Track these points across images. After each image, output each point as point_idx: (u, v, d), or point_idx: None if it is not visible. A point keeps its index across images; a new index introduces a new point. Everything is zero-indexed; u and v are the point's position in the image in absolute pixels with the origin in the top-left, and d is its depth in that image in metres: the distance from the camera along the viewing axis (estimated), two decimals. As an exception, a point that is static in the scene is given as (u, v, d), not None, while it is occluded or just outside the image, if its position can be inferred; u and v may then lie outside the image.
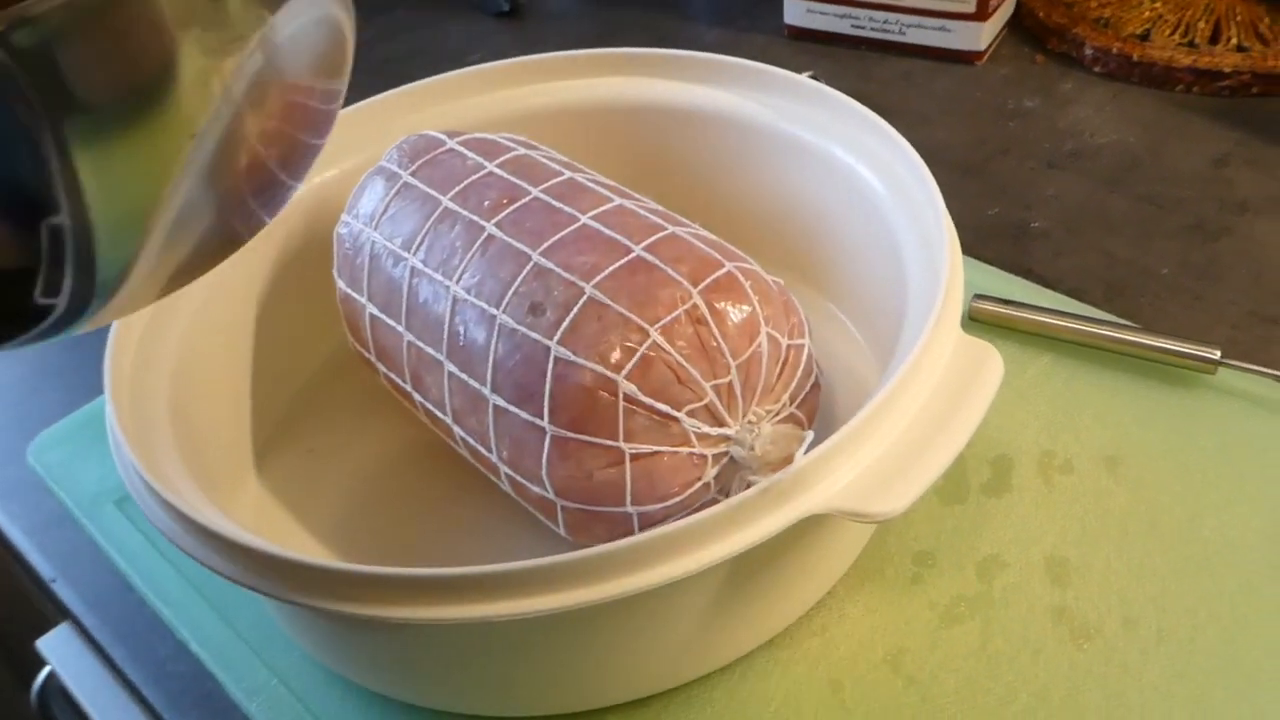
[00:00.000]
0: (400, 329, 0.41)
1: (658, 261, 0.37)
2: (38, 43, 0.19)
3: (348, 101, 0.50)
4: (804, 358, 0.39)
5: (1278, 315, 0.49)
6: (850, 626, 0.39)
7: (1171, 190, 0.57)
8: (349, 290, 0.44)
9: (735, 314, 0.36)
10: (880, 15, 0.70)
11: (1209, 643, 0.36)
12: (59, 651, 0.50)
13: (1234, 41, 0.64)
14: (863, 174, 0.43)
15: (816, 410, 0.40)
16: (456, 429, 0.40)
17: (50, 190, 0.21)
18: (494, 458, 0.39)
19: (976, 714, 0.35)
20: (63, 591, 0.46)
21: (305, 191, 0.49)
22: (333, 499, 0.45)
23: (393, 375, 0.43)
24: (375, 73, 0.78)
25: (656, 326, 0.36)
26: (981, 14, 0.66)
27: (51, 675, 0.54)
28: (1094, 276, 0.52)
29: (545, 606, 0.30)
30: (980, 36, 0.67)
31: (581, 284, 0.37)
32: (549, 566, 0.30)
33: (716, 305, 0.36)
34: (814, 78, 0.64)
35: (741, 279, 0.37)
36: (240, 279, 0.46)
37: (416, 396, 0.42)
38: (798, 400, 0.39)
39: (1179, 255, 0.53)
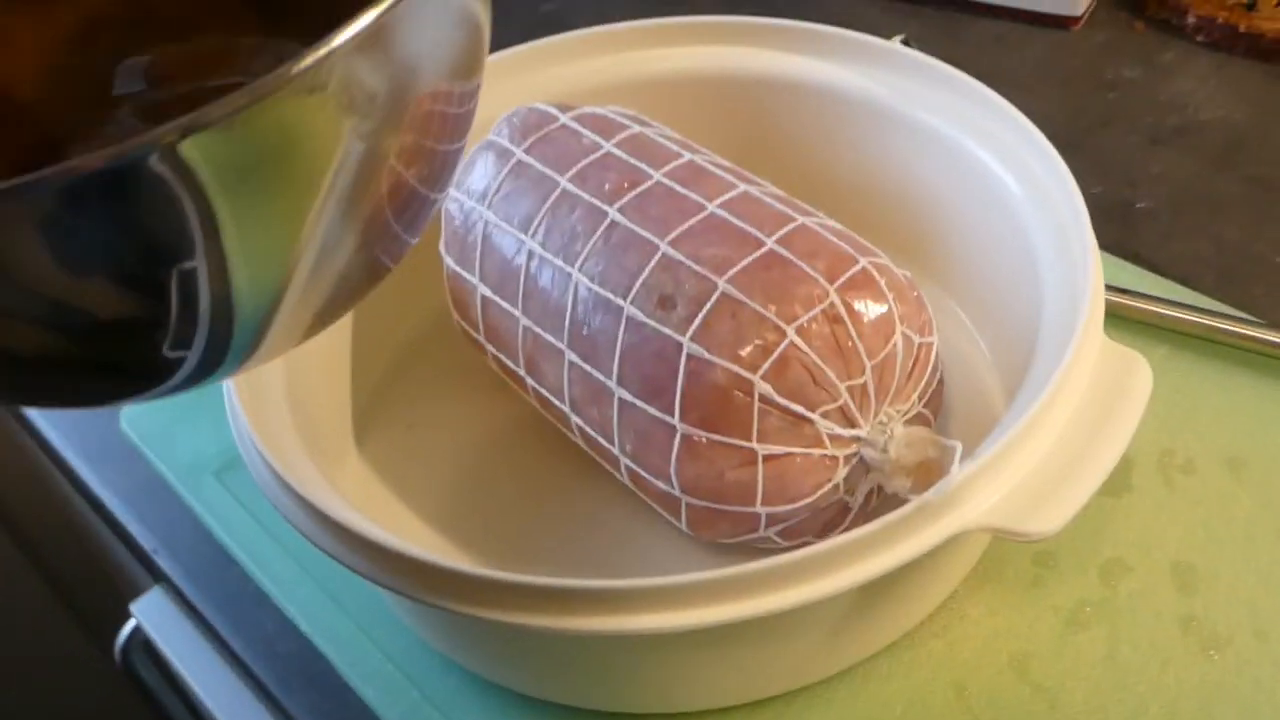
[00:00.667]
0: (516, 313, 0.40)
1: (792, 256, 0.36)
2: (205, 147, 0.19)
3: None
4: (933, 356, 0.38)
5: (1401, 310, 0.47)
6: (972, 628, 0.38)
7: (1282, 172, 0.55)
8: (458, 268, 0.43)
9: (871, 312, 0.36)
10: (974, -25, 0.67)
11: (1343, 658, 0.36)
12: (152, 615, 0.50)
13: (1347, 13, 0.61)
14: (992, 165, 0.42)
15: (940, 409, 0.39)
16: (574, 418, 0.40)
17: (186, 239, 0.21)
18: (615, 449, 0.38)
19: (1106, 724, 0.35)
20: (164, 562, 0.46)
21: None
22: (436, 479, 0.45)
23: (503, 357, 0.42)
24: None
25: (793, 326, 0.35)
26: (1082, -23, 0.64)
27: (135, 633, 0.55)
28: (1204, 263, 0.51)
29: (696, 621, 0.30)
30: (1076, 1, 0.65)
31: (714, 278, 0.36)
32: (702, 583, 0.30)
33: (853, 304, 0.35)
34: (905, 42, 0.62)
35: (876, 275, 0.36)
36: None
37: (530, 381, 0.41)
38: (925, 399, 0.38)
39: (1293, 243, 0.51)
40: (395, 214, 0.25)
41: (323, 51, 0.20)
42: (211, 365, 0.24)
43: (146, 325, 0.22)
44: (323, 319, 0.26)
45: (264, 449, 0.36)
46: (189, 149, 0.19)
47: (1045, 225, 0.39)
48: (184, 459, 0.48)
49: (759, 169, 0.42)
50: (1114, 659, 0.37)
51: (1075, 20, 0.66)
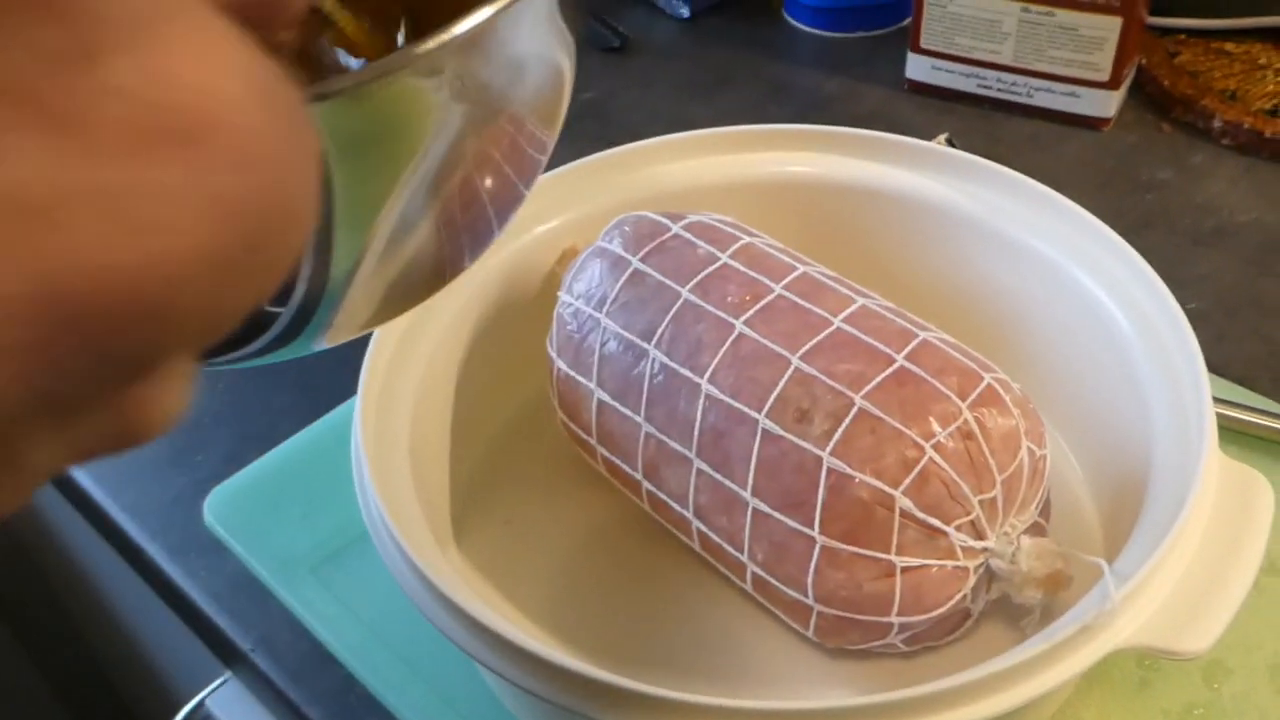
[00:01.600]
0: (638, 419, 0.41)
1: (924, 374, 0.37)
2: (331, 113, 0.21)
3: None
4: (1047, 467, 0.39)
5: None
6: (1086, 731, 0.39)
7: (1321, 276, 0.58)
8: (572, 372, 0.44)
9: (1001, 428, 0.37)
10: (1009, 77, 0.70)
11: None
12: (231, 710, 0.50)
13: (1365, 123, 0.65)
14: (1084, 280, 0.44)
15: (1050, 516, 0.41)
16: (697, 524, 0.41)
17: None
18: (743, 558, 0.39)
19: (1227, 828, 0.37)
20: (262, 662, 0.45)
21: (505, 255, 0.49)
22: (537, 576, 0.45)
23: (616, 461, 0.43)
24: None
25: (931, 442, 0.36)
26: (1114, 82, 0.67)
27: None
28: (1260, 364, 0.54)
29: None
30: (1110, 103, 0.68)
31: (850, 394, 0.37)
32: (868, 706, 0.31)
33: (984, 420, 0.37)
34: (949, 141, 0.65)
35: (1002, 391, 0.38)
36: (455, 336, 0.46)
37: (647, 485, 0.42)
38: (1040, 508, 0.39)
39: (1340, 346, 0.54)
40: (465, 216, 0.27)
41: (445, 37, 0.22)
42: (296, 328, 0.25)
43: None
44: (390, 303, 0.27)
45: (399, 534, 0.36)
46: (321, 112, 0.20)
47: (1144, 340, 0.41)
48: (277, 554, 0.48)
49: (853, 278, 0.43)
50: (1227, 762, 0.38)
51: (1106, 122, 0.69)
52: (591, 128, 0.76)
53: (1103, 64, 0.67)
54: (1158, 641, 0.32)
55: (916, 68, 0.73)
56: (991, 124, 0.71)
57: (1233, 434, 0.48)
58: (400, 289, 0.27)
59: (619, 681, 0.32)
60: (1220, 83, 0.70)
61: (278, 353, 0.26)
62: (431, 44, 0.22)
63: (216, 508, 0.50)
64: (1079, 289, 0.45)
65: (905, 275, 0.49)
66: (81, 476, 0.53)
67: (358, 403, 0.40)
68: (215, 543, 0.49)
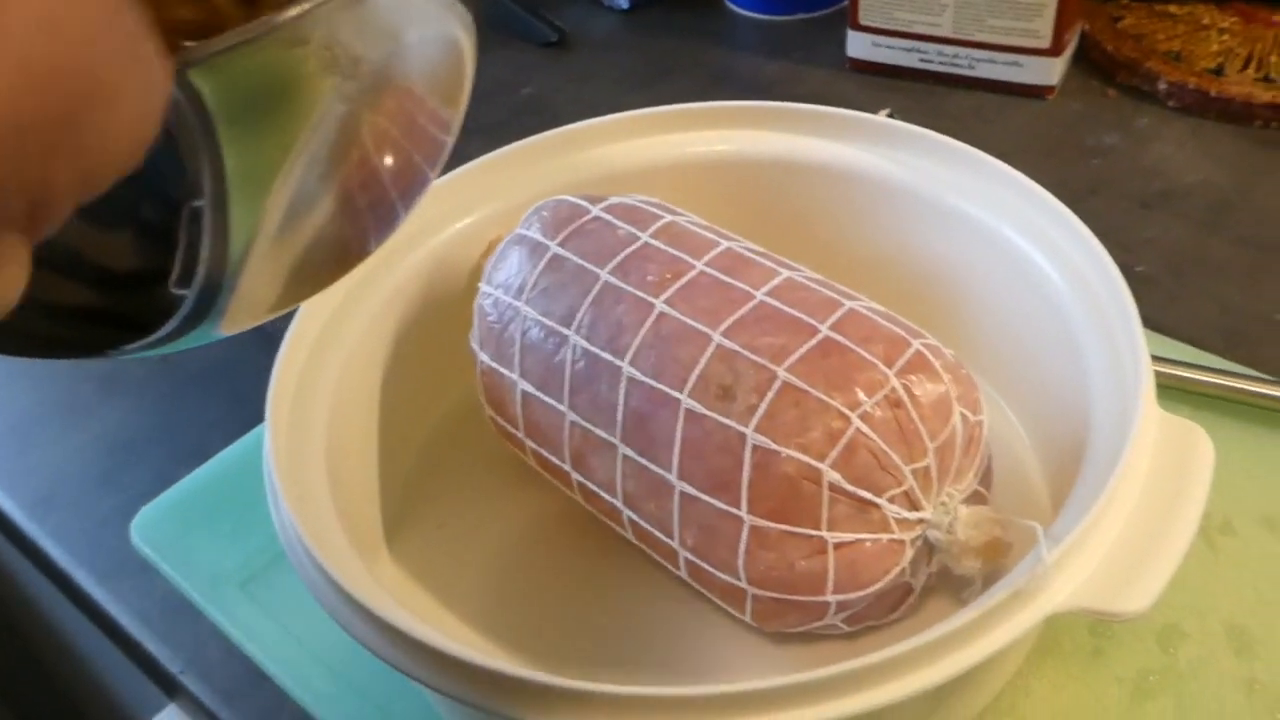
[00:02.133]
0: (562, 408, 0.40)
1: (848, 343, 0.36)
2: (210, 77, 0.21)
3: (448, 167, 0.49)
4: (984, 433, 0.38)
5: (1402, 363, 0.49)
6: (1039, 705, 0.38)
7: (1271, 232, 0.57)
8: (495, 364, 0.42)
9: (930, 395, 0.36)
10: (950, 50, 0.69)
11: None
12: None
13: (1309, 77, 0.64)
14: (1019, 242, 0.43)
15: (992, 484, 0.40)
16: (627, 512, 0.39)
17: (198, 172, 0.22)
18: (674, 544, 0.38)
19: (1187, 797, 0.35)
20: (192, 684, 0.44)
21: (426, 251, 0.47)
22: (473, 577, 0.44)
23: (545, 452, 0.42)
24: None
25: (858, 412, 0.35)
26: (1056, 49, 0.66)
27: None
28: (1210, 324, 0.52)
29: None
30: (1053, 71, 0.67)
31: (772, 367, 0.36)
32: (806, 683, 0.29)
33: (912, 387, 0.36)
34: (891, 116, 0.64)
35: (931, 357, 0.37)
36: (374, 339, 0.45)
37: (575, 476, 0.41)
38: (980, 477, 0.38)
39: (1291, 300, 0.53)
40: (365, 196, 0.27)
41: (307, 6, 0.22)
42: (202, 309, 0.25)
43: (159, 257, 0.23)
44: (295, 284, 0.27)
45: (313, 548, 0.34)
46: (194, 76, 0.21)
47: (1080, 302, 0.40)
48: (206, 572, 0.46)
49: (784, 253, 0.42)
50: (1185, 728, 0.37)
51: (1050, 90, 0.68)
52: (532, 123, 0.73)
53: (1043, 31, 0.66)
54: (1096, 603, 0.31)
55: (857, 45, 0.72)
56: (935, 98, 0.70)
57: (1185, 394, 0.47)
58: (305, 269, 0.27)
59: (541, 679, 0.30)
60: (1164, 45, 0.69)
61: (186, 337, 0.26)
62: (293, 12, 0.22)
63: (144, 528, 0.48)
64: (1015, 252, 0.43)
65: (841, 249, 0.48)
66: (4, 500, 0.51)
67: (267, 413, 0.39)
68: (144, 564, 0.48)
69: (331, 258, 0.27)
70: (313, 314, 0.43)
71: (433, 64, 0.27)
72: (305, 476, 0.39)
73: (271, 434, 0.38)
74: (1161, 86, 0.66)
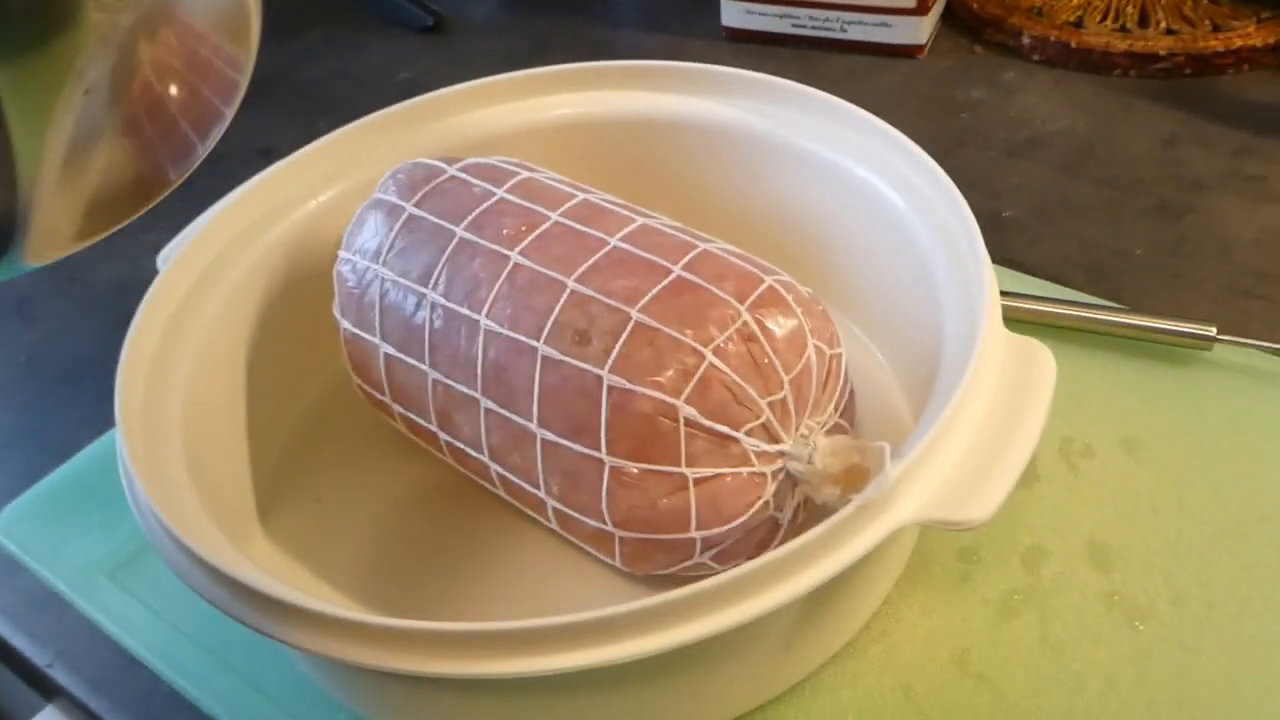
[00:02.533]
0: (423, 367, 0.39)
1: (700, 281, 0.36)
2: None
3: (314, 133, 0.48)
4: (843, 366, 0.38)
5: (1252, 288, 0.51)
6: (910, 630, 0.39)
7: (1129, 173, 0.59)
8: (357, 330, 0.42)
9: (783, 328, 0.36)
10: (820, 14, 0.70)
11: (1257, 612, 0.38)
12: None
13: (1163, 25, 0.66)
14: (875, 183, 0.43)
15: (854, 417, 0.40)
16: (494, 466, 0.39)
17: None
18: (540, 493, 0.38)
19: (1051, 706, 0.36)
20: (61, 676, 0.42)
21: (286, 227, 0.46)
22: (350, 550, 0.43)
23: (412, 415, 0.41)
24: (297, 96, 0.76)
25: (710, 347, 0.35)
26: (922, 8, 0.68)
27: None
28: (1072, 262, 0.54)
29: (657, 646, 0.29)
30: (921, 30, 0.68)
31: (626, 309, 0.36)
32: (659, 606, 0.29)
33: (765, 321, 0.36)
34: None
35: (783, 292, 0.37)
36: (234, 318, 0.44)
37: (443, 436, 0.40)
38: (840, 409, 0.39)
39: (1149, 236, 0.55)
40: (154, 125, 0.27)
41: None
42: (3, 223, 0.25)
43: None
44: (95, 216, 0.27)
45: (170, 523, 0.34)
46: None
47: (933, 234, 0.41)
48: (72, 562, 0.45)
49: (650, 207, 0.42)
50: (1048, 641, 0.38)
51: (920, 49, 0.69)
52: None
53: (908, -8, 0.67)
54: (940, 514, 0.31)
55: (731, 14, 0.73)
56: (809, 63, 0.71)
57: (1049, 328, 0.48)
58: (104, 198, 0.27)
59: (390, 623, 0.30)
60: (1027, 1, 0.70)
61: None
62: None
63: (8, 525, 0.47)
64: (872, 193, 0.44)
65: (705, 201, 0.48)
66: None
67: (116, 396, 0.38)
68: (10, 562, 0.46)
69: (130, 186, 0.27)
70: (165, 293, 0.42)
71: (212, 3, 0.27)
72: (161, 455, 0.38)
73: (123, 414, 0.37)
74: (1025, 41, 0.68)
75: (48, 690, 0.45)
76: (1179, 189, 0.57)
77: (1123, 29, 0.67)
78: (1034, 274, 0.53)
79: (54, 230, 0.26)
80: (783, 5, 0.71)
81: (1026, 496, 0.42)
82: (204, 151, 0.29)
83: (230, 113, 0.29)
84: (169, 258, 0.44)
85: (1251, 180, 0.57)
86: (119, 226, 0.29)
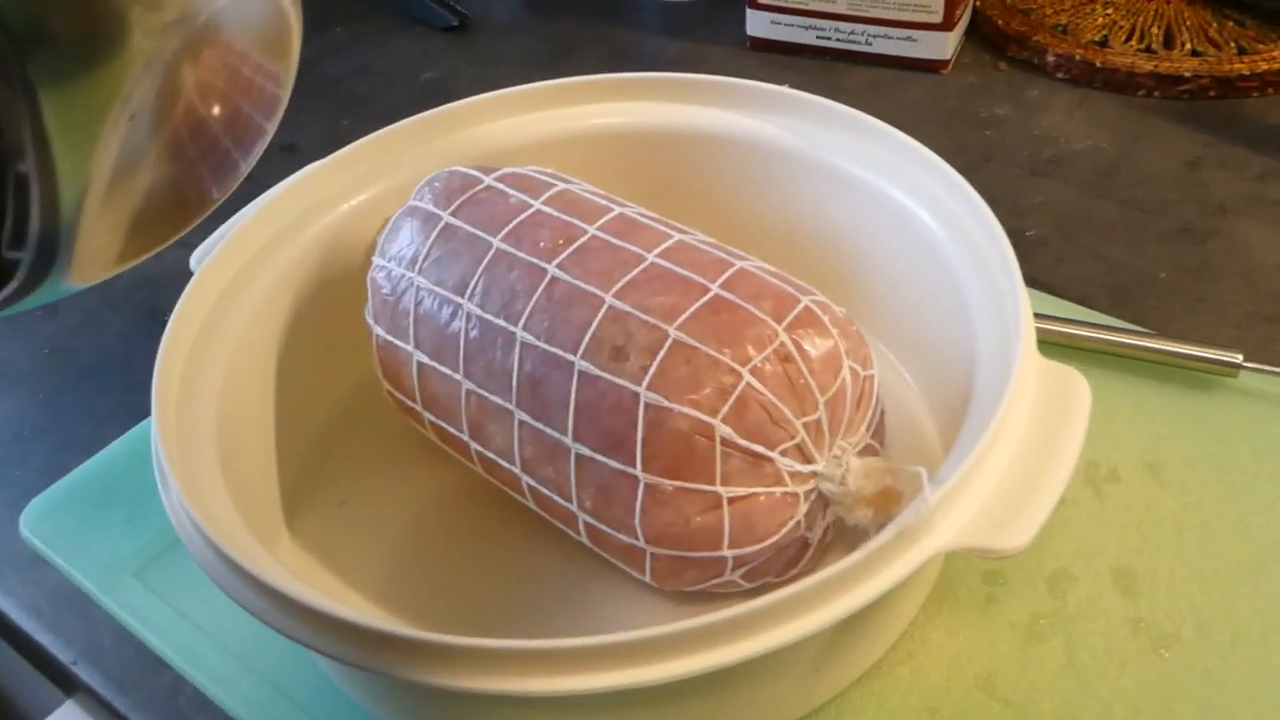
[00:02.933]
0: (457, 377, 0.40)
1: (738, 300, 0.36)
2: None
3: (340, 141, 0.48)
4: (875, 387, 0.39)
5: (1276, 314, 0.51)
6: (935, 652, 0.39)
7: (1153, 194, 0.59)
8: (390, 337, 0.42)
9: (819, 349, 0.36)
10: (846, 26, 0.70)
11: (1281, 643, 0.38)
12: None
13: (1188, 47, 0.67)
14: (907, 203, 0.44)
15: (885, 439, 0.40)
16: (525, 478, 0.39)
17: (18, 133, 0.23)
18: (573, 507, 0.38)
19: (1077, 731, 0.36)
20: (85, 674, 0.43)
21: (319, 230, 0.46)
22: (376, 554, 0.43)
23: (443, 424, 0.41)
24: (320, 93, 0.76)
25: (748, 367, 0.35)
26: (948, 24, 0.68)
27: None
28: (1096, 283, 0.54)
29: (690, 669, 0.29)
30: (946, 45, 0.69)
31: (664, 326, 0.36)
32: (694, 629, 0.29)
33: (801, 342, 0.36)
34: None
35: (819, 313, 0.37)
36: (267, 320, 0.44)
37: (474, 446, 0.41)
38: (872, 430, 0.39)
39: (1172, 259, 0.55)
40: (197, 145, 0.27)
41: None
42: (43, 266, 0.25)
43: None
44: (138, 235, 0.27)
45: (203, 524, 0.34)
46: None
47: (965, 255, 0.41)
48: (98, 560, 0.45)
49: (680, 220, 0.42)
50: (1073, 666, 0.38)
51: (945, 64, 0.70)
52: (434, 108, 0.74)
53: (935, 6, 0.67)
54: (977, 541, 0.31)
55: (756, 24, 0.73)
56: (833, 74, 0.71)
57: (1073, 351, 0.49)
58: (147, 219, 0.27)
59: (427, 637, 0.30)
60: (1052, 18, 0.71)
61: (35, 294, 0.26)
62: None
63: (33, 520, 0.47)
64: (905, 214, 0.44)
65: (737, 216, 0.48)
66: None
67: (154, 393, 0.38)
68: (35, 558, 0.46)
69: (173, 206, 0.27)
70: (199, 294, 0.42)
71: (252, 18, 0.27)
72: (195, 455, 0.38)
73: (159, 414, 0.38)
74: (1050, 59, 0.68)
75: (69, 685, 0.46)
76: (1203, 212, 0.57)
77: (1148, 50, 0.67)
78: (1058, 295, 0.53)
79: (98, 252, 0.26)
80: (808, 16, 0.71)
81: (1052, 521, 0.42)
82: (246, 169, 0.29)
83: (272, 129, 0.29)
84: (203, 258, 0.44)
85: (1276, 205, 0.57)
86: (163, 247, 0.29)
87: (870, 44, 0.70)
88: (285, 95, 0.29)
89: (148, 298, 0.59)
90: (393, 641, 0.31)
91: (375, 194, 0.48)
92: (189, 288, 0.42)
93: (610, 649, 0.30)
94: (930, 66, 0.70)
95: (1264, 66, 0.64)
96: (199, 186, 0.28)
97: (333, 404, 0.49)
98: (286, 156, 0.69)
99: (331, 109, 0.74)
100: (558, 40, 0.78)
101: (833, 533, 0.39)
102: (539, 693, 0.30)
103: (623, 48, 0.77)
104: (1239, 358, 0.46)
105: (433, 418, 0.42)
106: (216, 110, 0.27)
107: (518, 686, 0.30)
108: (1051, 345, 0.49)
